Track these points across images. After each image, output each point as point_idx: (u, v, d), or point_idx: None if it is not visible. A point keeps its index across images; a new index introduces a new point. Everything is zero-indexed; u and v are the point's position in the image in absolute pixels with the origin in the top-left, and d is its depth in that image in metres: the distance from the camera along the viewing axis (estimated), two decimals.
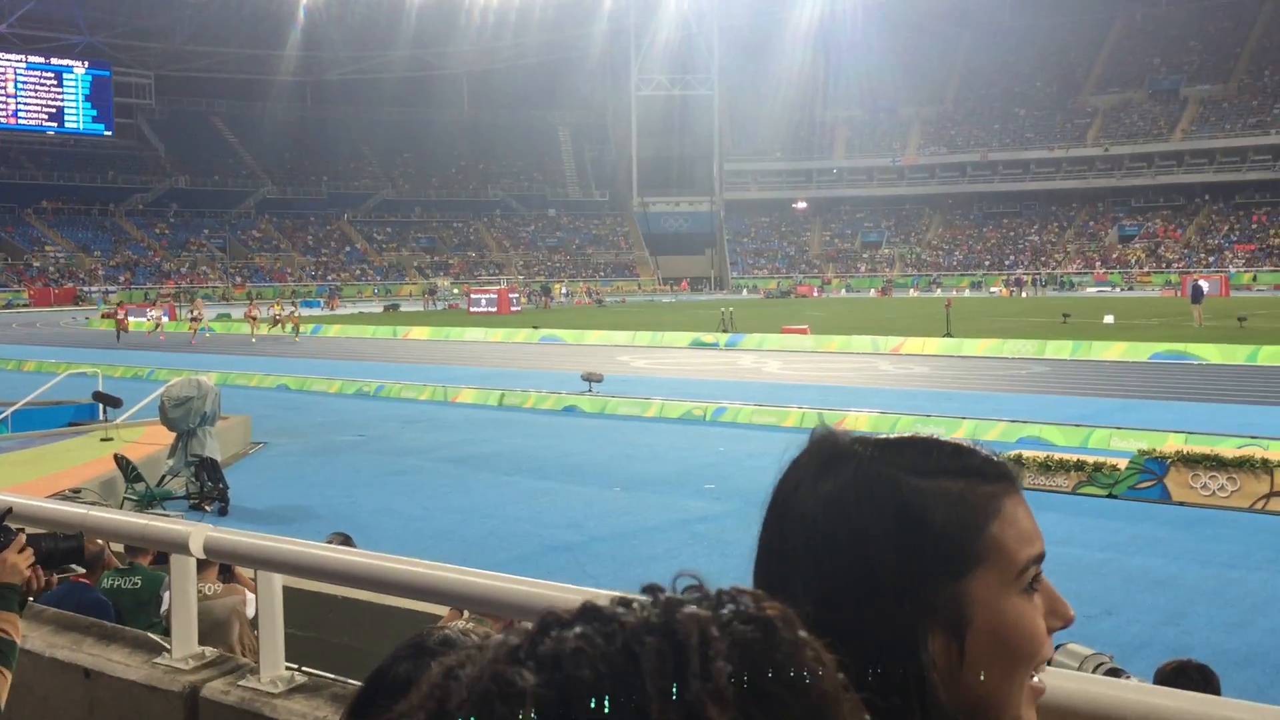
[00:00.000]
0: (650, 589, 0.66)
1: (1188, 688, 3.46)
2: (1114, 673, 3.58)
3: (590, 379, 25.04)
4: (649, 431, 20.42)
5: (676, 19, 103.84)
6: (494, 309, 61.68)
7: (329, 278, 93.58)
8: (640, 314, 58.49)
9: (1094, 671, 3.47)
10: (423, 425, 21.59)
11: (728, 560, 11.52)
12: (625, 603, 0.68)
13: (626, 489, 15.18)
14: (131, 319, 48.07)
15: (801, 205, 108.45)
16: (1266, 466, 13.15)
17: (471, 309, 63.27)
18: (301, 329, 45.60)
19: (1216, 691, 3.53)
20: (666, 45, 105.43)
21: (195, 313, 46.39)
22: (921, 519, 0.97)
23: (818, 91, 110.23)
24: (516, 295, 66.33)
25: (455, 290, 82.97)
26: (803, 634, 0.69)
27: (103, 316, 55.64)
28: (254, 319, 46.58)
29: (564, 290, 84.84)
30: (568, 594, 2.64)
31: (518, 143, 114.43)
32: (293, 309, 50.30)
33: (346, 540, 6.78)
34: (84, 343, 42.60)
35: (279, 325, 46.95)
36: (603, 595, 0.75)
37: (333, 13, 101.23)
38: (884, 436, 1.07)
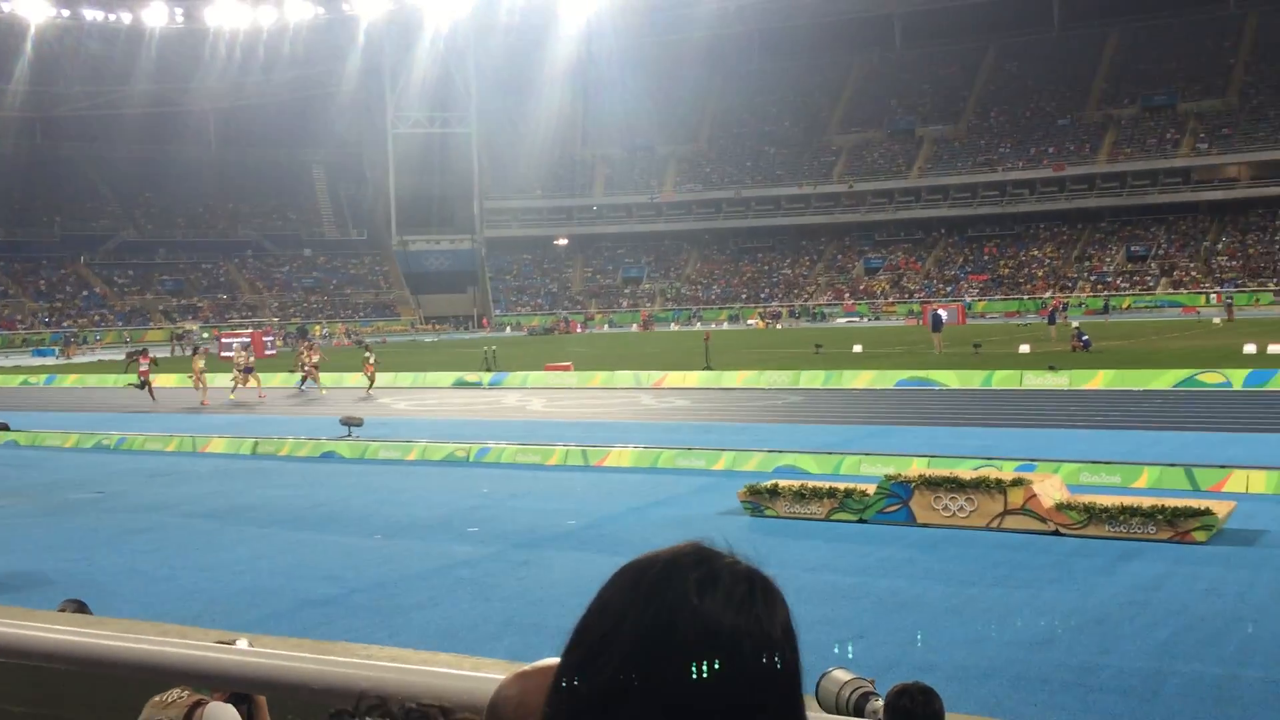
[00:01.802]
0: (339, 715, 0.63)
1: (909, 708, 3.54)
2: (867, 696, 3.64)
3: (349, 423, 24.41)
4: (411, 475, 20.01)
5: (433, 56, 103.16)
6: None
7: (64, 324, 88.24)
8: (402, 354, 57.51)
9: (850, 696, 3.52)
10: (169, 478, 20.51)
11: (491, 605, 11.36)
12: None
13: (388, 536, 14.79)
14: None
15: (563, 242, 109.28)
16: (1001, 486, 13.91)
17: (223, 354, 60.78)
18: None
19: (939, 710, 3.64)
20: (423, 82, 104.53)
21: None
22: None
23: (576, 130, 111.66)
24: (271, 338, 64.14)
25: (205, 334, 79.63)
26: None
27: None
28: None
29: (323, 331, 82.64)
30: (308, 664, 2.49)
31: (269, 181, 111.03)
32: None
33: (81, 607, 6.29)
34: None
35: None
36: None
37: (65, 45, 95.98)
38: None
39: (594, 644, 1.10)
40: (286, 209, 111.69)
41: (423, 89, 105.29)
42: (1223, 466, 16.05)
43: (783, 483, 15.55)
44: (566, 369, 38.79)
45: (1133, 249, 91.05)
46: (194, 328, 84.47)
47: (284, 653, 2.73)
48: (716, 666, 1.06)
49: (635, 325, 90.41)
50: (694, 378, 35.05)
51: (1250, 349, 35.60)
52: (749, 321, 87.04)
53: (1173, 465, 16.29)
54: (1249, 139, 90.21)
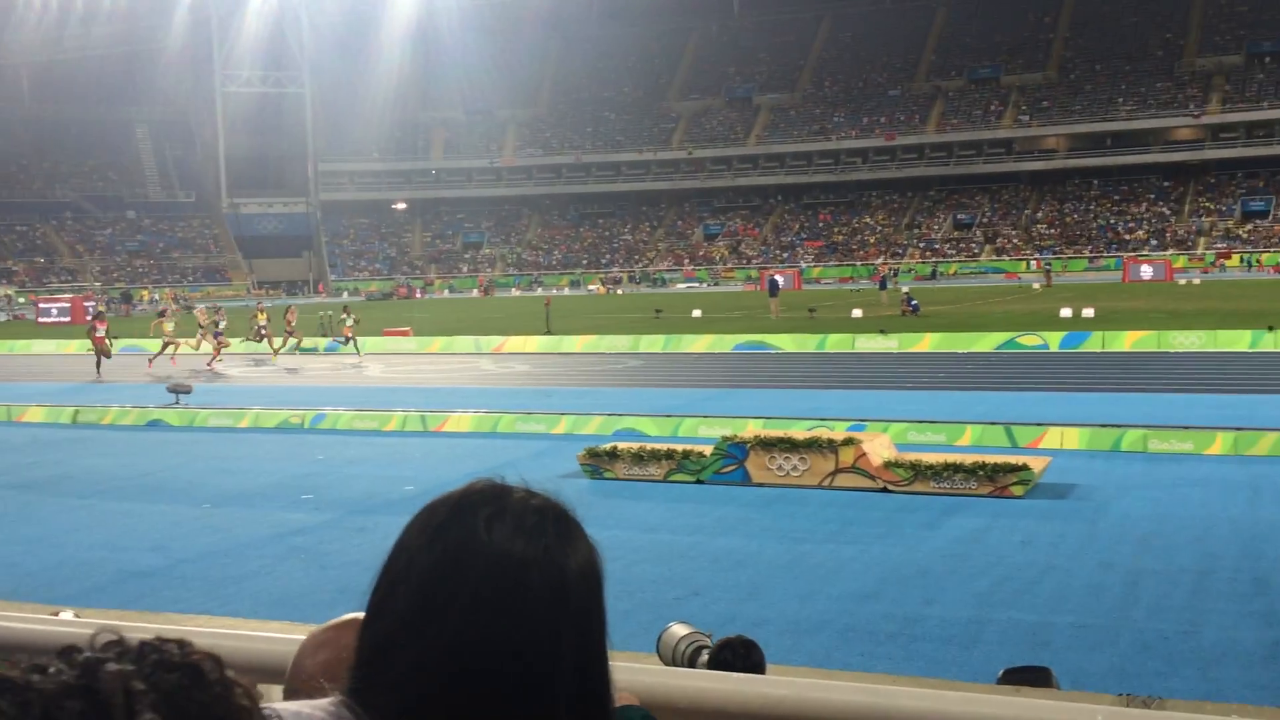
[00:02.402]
0: (67, 651, 0.64)
1: (729, 660, 3.63)
2: (700, 649, 3.70)
3: (177, 390, 23.62)
4: (243, 443, 19.49)
5: (263, 11, 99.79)
6: (67, 319, 56.94)
7: None
8: (235, 320, 55.75)
9: (685, 649, 3.57)
10: None
11: (326, 573, 11.18)
12: (40, 668, 0.65)
13: (217, 505, 14.39)
14: None
15: (401, 206, 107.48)
16: (832, 446, 14.29)
17: (40, 319, 58.13)
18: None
19: (759, 662, 3.73)
20: (254, 39, 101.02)
21: None
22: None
23: (415, 92, 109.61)
24: (93, 304, 61.53)
25: (21, 299, 75.90)
26: (230, 674, 0.69)
27: None
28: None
29: (151, 297, 79.62)
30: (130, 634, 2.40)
31: (89, 140, 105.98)
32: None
33: None
34: None
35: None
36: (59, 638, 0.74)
37: None
38: None
39: (386, 587, 1.10)
40: (108, 169, 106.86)
41: (254, 46, 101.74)
42: (1039, 424, 16.81)
43: (622, 445, 15.67)
44: (405, 334, 38.26)
45: (959, 217, 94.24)
46: (9, 292, 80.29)
47: (110, 623, 2.64)
48: (502, 599, 1.05)
49: (476, 291, 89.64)
50: (534, 343, 34.99)
51: (1066, 313, 37.29)
52: (590, 287, 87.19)
53: (993, 424, 16.99)
54: (1067, 111, 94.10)
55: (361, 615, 1.15)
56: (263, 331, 34.77)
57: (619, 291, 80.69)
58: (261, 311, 35.73)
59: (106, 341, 31.47)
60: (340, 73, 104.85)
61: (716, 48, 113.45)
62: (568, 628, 1.08)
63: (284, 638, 2.23)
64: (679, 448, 15.43)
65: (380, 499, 14.26)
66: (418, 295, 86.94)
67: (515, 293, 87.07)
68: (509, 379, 28.07)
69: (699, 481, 14.76)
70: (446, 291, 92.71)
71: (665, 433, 18.20)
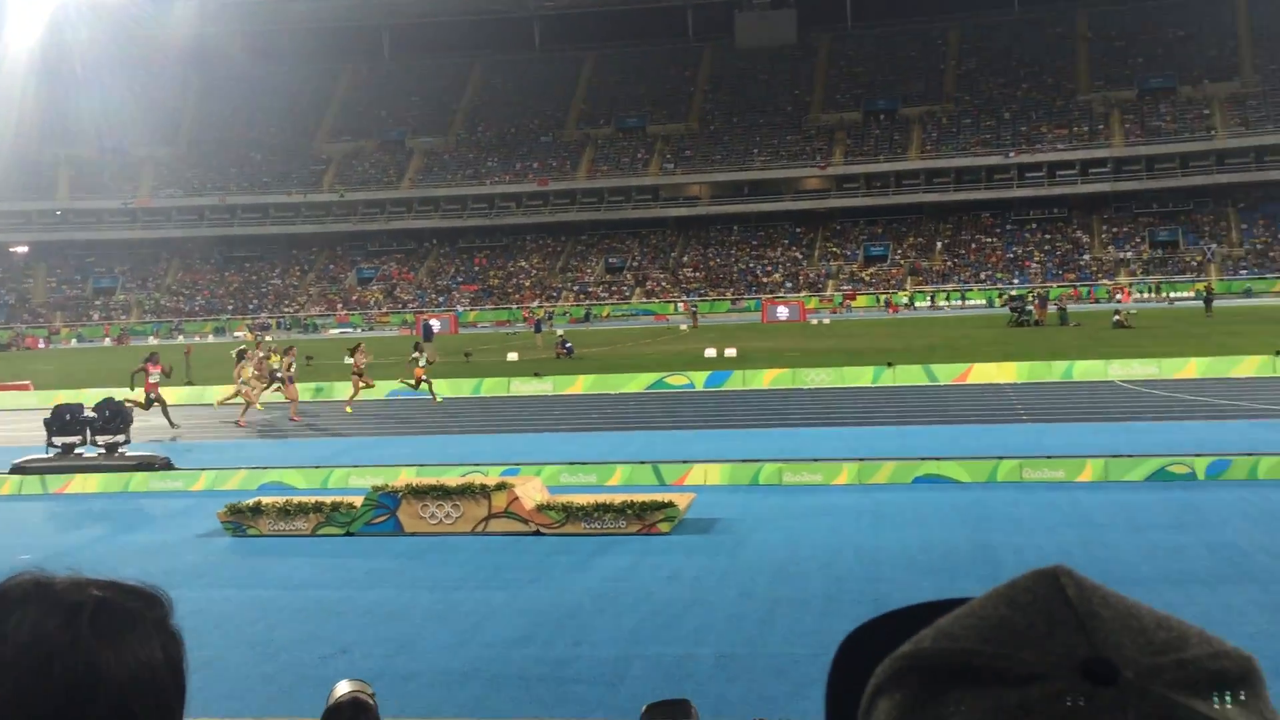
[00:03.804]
0: None
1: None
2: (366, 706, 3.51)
3: None
4: None
5: None
6: None
7: None
8: None
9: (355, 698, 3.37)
10: None
11: None
12: None
13: None
14: None
15: (22, 249, 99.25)
16: (485, 491, 14.26)
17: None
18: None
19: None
20: None
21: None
22: None
23: (35, 128, 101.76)
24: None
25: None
26: None
27: None
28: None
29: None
30: None
31: None
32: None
33: None
34: None
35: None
36: None
37: None
38: None
39: None
40: None
41: None
42: (685, 462, 17.45)
43: (266, 500, 15.01)
44: (25, 389, 35.23)
45: (611, 261, 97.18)
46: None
47: None
48: (20, 695, 0.95)
49: (109, 339, 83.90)
50: (174, 394, 33.02)
51: (711, 352, 39.09)
52: (236, 334, 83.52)
53: (642, 463, 17.48)
54: (708, 161, 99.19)
55: None
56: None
57: (268, 338, 77.63)
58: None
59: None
60: None
61: (367, 89, 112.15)
62: None
63: None
64: (328, 500, 14.95)
65: None
66: (41, 345, 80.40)
67: (153, 340, 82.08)
68: (143, 434, 26.32)
69: (349, 534, 14.34)
70: (74, 341, 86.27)
71: (314, 485, 17.60)
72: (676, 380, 30.84)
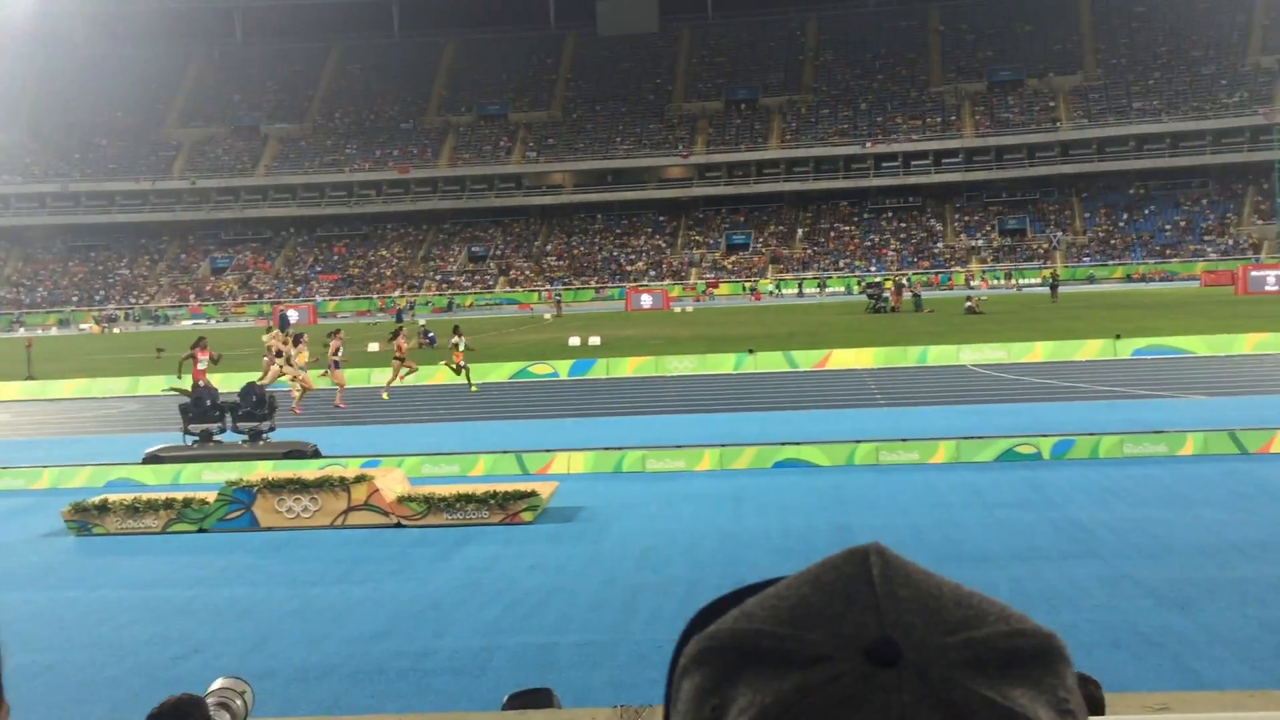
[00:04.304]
0: None
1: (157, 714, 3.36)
2: (225, 705, 3.38)
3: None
4: None
5: None
6: None
7: None
8: None
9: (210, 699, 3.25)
10: None
11: None
12: None
13: None
14: None
15: None
16: (344, 484, 13.99)
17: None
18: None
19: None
20: None
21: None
22: None
23: None
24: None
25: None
26: None
27: None
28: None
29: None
30: None
31: None
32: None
33: None
34: None
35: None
36: None
37: None
38: None
39: None
40: None
41: None
42: (548, 450, 17.39)
43: (113, 497, 14.48)
44: None
45: (473, 249, 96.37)
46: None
47: None
48: None
49: None
50: (13, 389, 31.70)
51: (574, 341, 39.09)
52: (82, 326, 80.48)
53: (505, 452, 17.37)
54: (571, 149, 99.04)
55: None
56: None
57: (116, 330, 75.03)
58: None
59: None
60: None
61: (220, 74, 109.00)
62: None
63: None
64: (180, 496, 14.49)
65: None
66: None
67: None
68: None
69: (202, 530, 13.94)
70: None
71: (165, 480, 17.05)
72: (540, 369, 30.73)
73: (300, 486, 14.02)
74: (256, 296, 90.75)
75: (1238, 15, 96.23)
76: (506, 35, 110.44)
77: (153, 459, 18.09)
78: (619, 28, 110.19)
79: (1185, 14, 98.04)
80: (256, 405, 19.01)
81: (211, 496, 14.27)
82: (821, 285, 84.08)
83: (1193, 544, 11.32)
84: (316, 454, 18.10)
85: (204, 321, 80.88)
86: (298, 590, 11.19)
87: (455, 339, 28.77)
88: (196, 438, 18.82)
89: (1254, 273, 58.57)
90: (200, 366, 23.81)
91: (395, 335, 28.59)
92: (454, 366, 28.84)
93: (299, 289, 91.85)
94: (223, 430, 18.91)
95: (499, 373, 30.60)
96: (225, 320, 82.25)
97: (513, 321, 61.73)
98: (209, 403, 18.95)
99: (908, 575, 0.67)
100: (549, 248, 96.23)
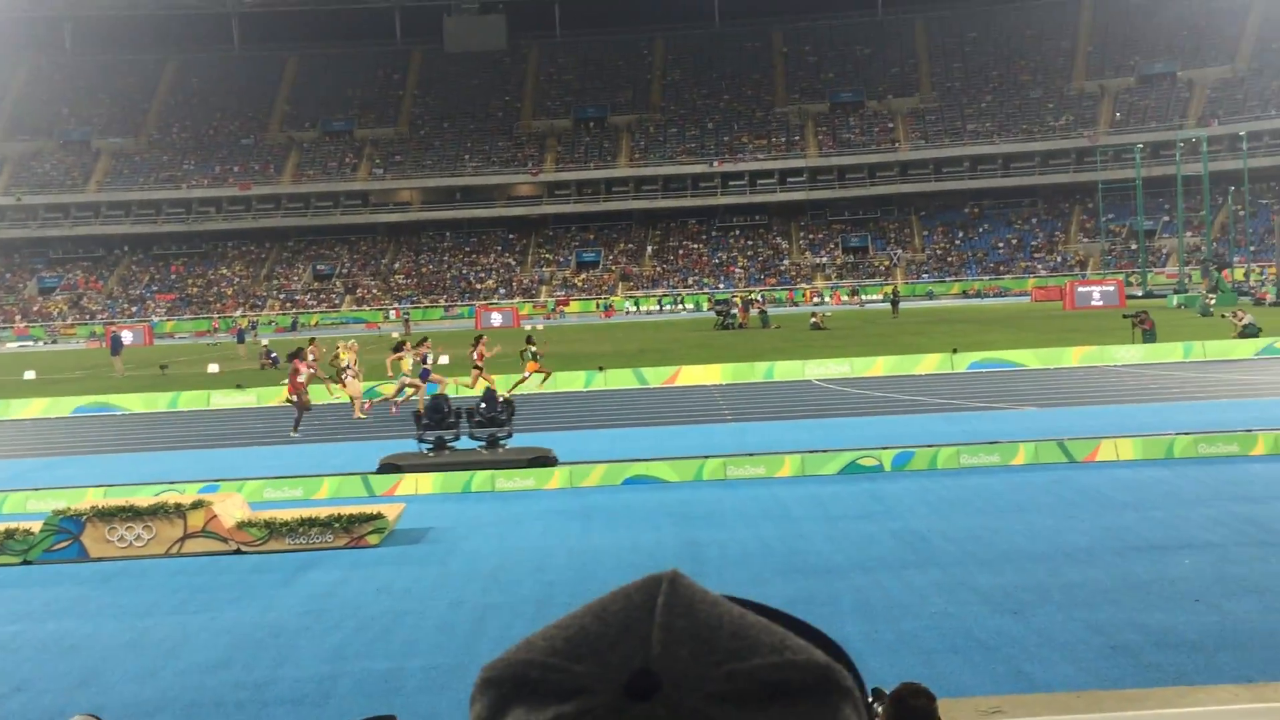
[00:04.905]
0: None
1: None
2: None
3: None
4: None
5: None
6: None
7: None
8: None
9: None
10: None
11: None
12: None
13: None
14: None
15: None
16: (180, 511, 13.52)
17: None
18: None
19: None
20: None
21: None
22: None
23: None
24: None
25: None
26: None
27: None
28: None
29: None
30: None
31: None
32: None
33: None
34: None
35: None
36: None
37: None
38: None
39: None
40: None
41: None
42: (395, 471, 17.11)
43: None
44: None
45: (319, 268, 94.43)
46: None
47: None
48: None
49: None
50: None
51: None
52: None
53: (351, 474, 17.04)
54: (418, 166, 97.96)
55: None
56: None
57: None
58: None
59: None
60: None
61: (48, 85, 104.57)
62: None
63: None
64: (1, 527, 13.79)
65: None
66: None
67: None
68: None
69: (26, 563, 13.29)
70: None
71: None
72: (387, 389, 30.21)
73: (133, 514, 13.50)
74: (88, 317, 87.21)
75: (1063, 41, 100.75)
76: (351, 50, 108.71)
77: (390, 467, 17.43)
78: (467, 44, 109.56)
79: (1014, 40, 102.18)
80: (495, 410, 18.21)
81: (37, 526, 13.63)
82: (674, 302, 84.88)
83: (1025, 551, 11.73)
84: (555, 461, 17.47)
85: (30, 344, 77.34)
86: (130, 622, 10.76)
87: (527, 347, 29.18)
88: (430, 445, 18.02)
89: (1080, 288, 61.22)
90: (300, 379, 23.93)
91: (477, 341, 28.14)
92: (530, 377, 28.93)
93: (134, 309, 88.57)
94: (457, 438, 18.11)
95: (342, 393, 29.97)
96: (54, 342, 78.78)
97: (360, 340, 60.50)
98: (445, 409, 18.19)
99: (691, 605, 0.66)
100: (397, 266, 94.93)
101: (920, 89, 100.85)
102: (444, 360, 39.61)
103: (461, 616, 10.45)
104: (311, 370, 24.73)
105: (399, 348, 27.04)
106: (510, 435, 18.19)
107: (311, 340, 28.04)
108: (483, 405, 18.29)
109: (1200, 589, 10.01)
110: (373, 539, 13.39)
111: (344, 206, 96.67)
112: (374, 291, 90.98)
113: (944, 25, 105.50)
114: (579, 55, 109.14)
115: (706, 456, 16.99)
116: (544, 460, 17.30)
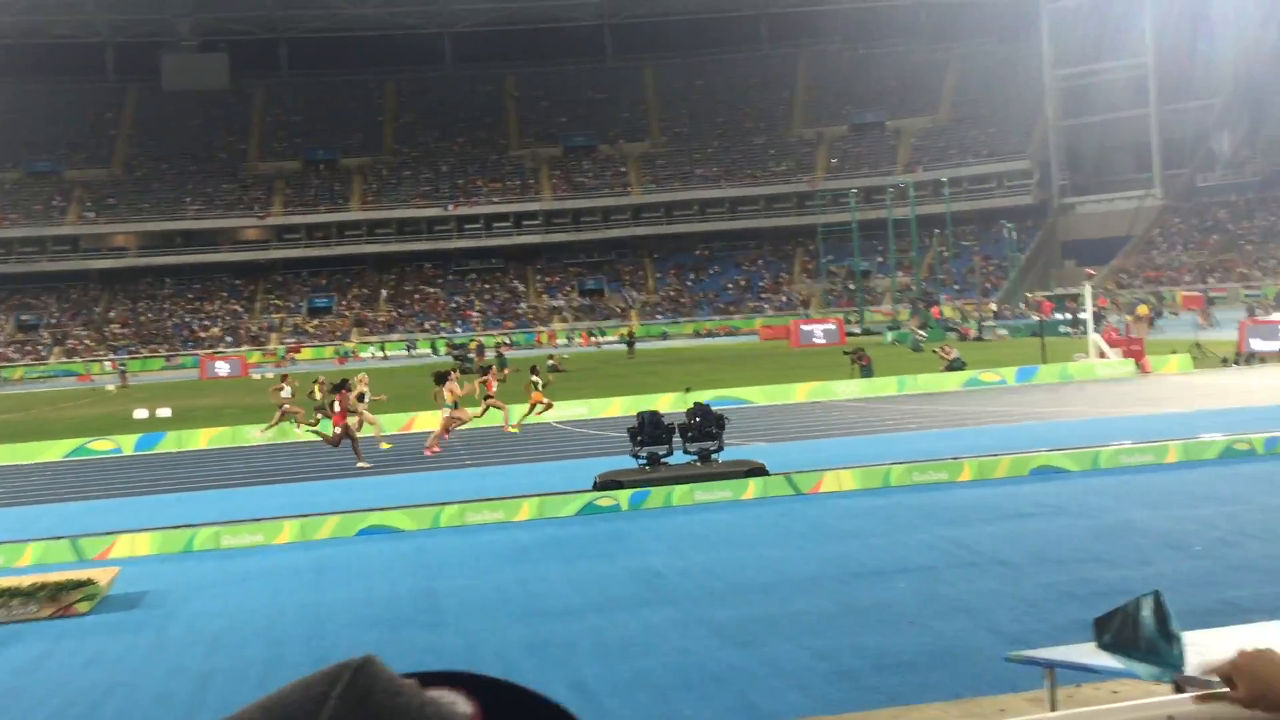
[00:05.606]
0: None
1: None
2: None
3: None
4: None
5: None
6: None
7: None
8: None
9: None
10: None
11: None
12: None
13: None
14: None
15: None
16: None
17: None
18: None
19: None
20: None
21: None
22: None
23: None
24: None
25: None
26: None
27: None
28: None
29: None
30: None
31: None
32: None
33: None
34: None
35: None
36: None
37: None
38: None
39: None
40: None
41: None
42: (108, 534, 16.06)
43: None
44: None
45: (23, 318, 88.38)
46: None
47: None
48: None
49: None
50: None
51: (142, 414, 36.54)
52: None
53: (58, 539, 15.88)
54: (135, 209, 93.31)
55: None
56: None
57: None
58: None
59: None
60: None
61: None
62: None
63: None
64: None
65: None
66: None
67: None
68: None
69: None
70: None
71: None
72: (101, 445, 28.47)
73: None
74: None
75: (783, 91, 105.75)
76: (58, 87, 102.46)
77: (609, 484, 16.98)
78: (187, 83, 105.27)
79: (738, 88, 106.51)
80: (707, 425, 17.91)
81: None
82: (410, 346, 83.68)
83: (755, 583, 12.06)
84: (766, 472, 17.30)
85: None
86: None
87: (534, 378, 28.76)
88: (644, 460, 17.60)
89: (804, 327, 64.00)
90: (338, 411, 23.67)
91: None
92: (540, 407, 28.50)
93: None
94: (670, 453, 17.77)
95: (50, 451, 28.09)
96: None
97: (70, 395, 56.88)
98: (657, 424, 17.91)
99: (367, 696, 0.64)
100: (112, 314, 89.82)
101: (651, 134, 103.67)
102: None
103: (181, 686, 9.85)
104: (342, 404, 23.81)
105: (443, 378, 25.44)
106: (721, 449, 18.33)
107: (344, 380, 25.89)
108: (697, 420, 18.21)
109: (914, 610, 10.54)
110: (82, 607, 12.48)
111: (51, 253, 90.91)
112: (86, 343, 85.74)
113: (672, 73, 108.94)
114: (307, 96, 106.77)
115: (443, 503, 16.74)
116: (756, 472, 17.53)
